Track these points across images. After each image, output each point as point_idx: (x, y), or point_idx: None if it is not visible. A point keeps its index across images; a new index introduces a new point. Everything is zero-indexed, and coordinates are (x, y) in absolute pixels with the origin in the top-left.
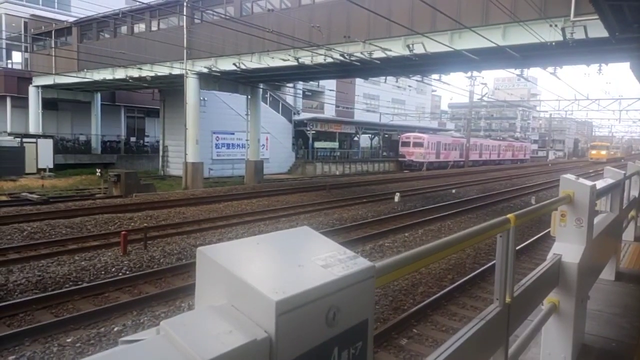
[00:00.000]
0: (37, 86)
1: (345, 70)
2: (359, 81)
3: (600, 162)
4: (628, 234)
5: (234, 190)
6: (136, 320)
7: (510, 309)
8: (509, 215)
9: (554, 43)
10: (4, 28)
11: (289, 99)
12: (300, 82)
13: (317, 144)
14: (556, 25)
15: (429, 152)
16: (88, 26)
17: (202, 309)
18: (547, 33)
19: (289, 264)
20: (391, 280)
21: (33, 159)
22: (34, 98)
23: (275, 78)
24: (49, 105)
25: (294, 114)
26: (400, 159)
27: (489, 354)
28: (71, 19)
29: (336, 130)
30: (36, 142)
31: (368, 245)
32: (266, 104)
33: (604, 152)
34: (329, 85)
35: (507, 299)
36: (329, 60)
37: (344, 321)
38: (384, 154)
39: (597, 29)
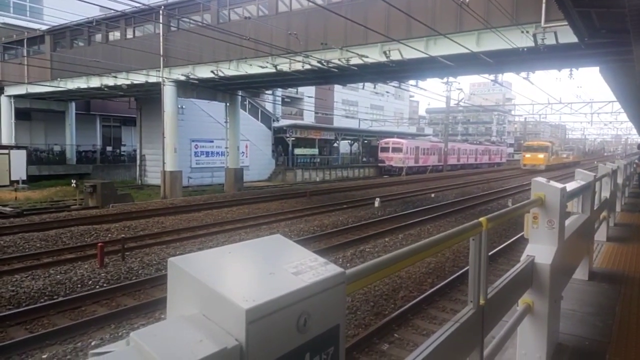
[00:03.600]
0: (9, 96)
1: (323, 77)
2: (337, 87)
3: (537, 169)
4: (600, 235)
5: (214, 198)
6: (114, 334)
7: (484, 311)
8: (480, 219)
9: (526, 49)
10: None
11: (268, 106)
12: (279, 89)
13: (297, 151)
14: (527, 32)
15: (407, 157)
16: (61, 34)
17: (173, 319)
18: (519, 39)
19: (260, 272)
20: (363, 286)
21: (5, 171)
22: (5, 108)
23: (254, 85)
24: (22, 115)
25: (274, 120)
26: (379, 164)
27: (465, 355)
28: (44, 27)
29: (316, 136)
30: (8, 153)
31: (349, 251)
32: (245, 111)
33: (541, 156)
34: (307, 92)
35: (482, 301)
36: (307, 67)
37: (315, 327)
38: (364, 159)
39: (567, 35)
